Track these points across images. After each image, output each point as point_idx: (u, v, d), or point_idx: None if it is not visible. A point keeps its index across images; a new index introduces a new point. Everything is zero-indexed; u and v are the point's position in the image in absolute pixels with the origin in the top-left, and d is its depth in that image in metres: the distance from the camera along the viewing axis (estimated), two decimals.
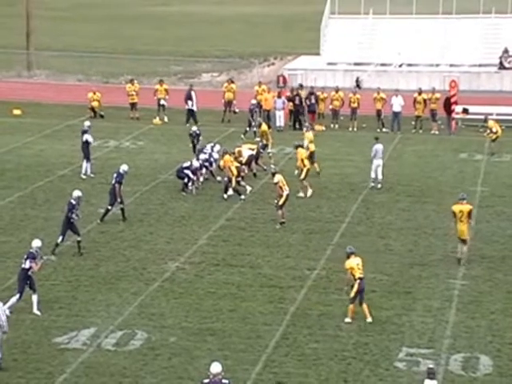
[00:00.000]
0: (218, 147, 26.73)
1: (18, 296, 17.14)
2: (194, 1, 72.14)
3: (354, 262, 17.03)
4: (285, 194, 22.10)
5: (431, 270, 19.49)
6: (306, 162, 24.70)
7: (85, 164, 26.58)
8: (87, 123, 27.44)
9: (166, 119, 34.42)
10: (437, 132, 32.88)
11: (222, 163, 24.93)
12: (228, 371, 13.86)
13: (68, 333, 16.38)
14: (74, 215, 20.11)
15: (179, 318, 17.11)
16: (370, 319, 16.85)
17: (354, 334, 16.50)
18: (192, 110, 33.51)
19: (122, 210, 22.56)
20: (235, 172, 24.32)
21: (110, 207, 22.36)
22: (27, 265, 17.11)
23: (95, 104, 34.88)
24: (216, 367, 12.86)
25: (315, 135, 28.54)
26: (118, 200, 22.37)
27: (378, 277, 19.10)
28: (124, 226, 22.28)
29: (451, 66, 40.46)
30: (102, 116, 34.79)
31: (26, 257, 17.23)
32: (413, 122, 33.09)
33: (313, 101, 33.26)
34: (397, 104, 32.64)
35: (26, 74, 44.15)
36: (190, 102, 33.53)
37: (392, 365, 15.38)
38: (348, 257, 17.16)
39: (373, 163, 25.51)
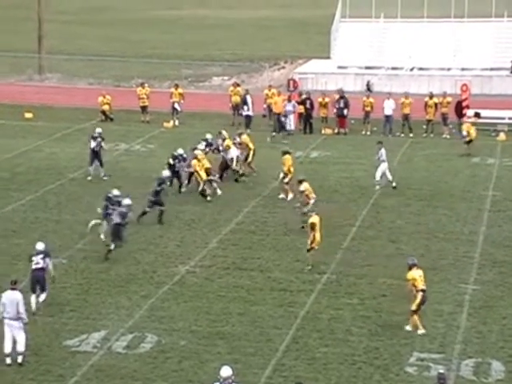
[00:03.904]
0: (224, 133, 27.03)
1: (45, 294, 17.32)
2: (204, 5, 72.26)
3: (417, 274, 16.66)
4: (311, 202, 21.96)
5: (442, 274, 19.41)
6: (292, 169, 24.73)
7: (91, 168, 26.60)
8: (98, 130, 27.43)
9: (177, 123, 34.47)
10: (448, 136, 32.78)
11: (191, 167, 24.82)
12: (238, 375, 13.84)
13: (79, 335, 16.41)
14: (124, 222, 20.06)
15: (189, 321, 17.10)
16: (408, 328, 16.56)
17: (365, 338, 16.44)
18: (248, 116, 33.29)
19: (145, 213, 22.57)
20: (204, 176, 24.42)
21: (148, 209, 22.49)
22: (44, 264, 17.32)
23: (106, 107, 34.98)
24: (226, 371, 12.88)
25: (325, 138, 28.52)
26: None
27: (388, 281, 19.01)
28: (134, 229, 22.29)
29: (463, 69, 40.32)
30: (111, 119, 34.88)
31: (42, 256, 17.41)
32: (424, 126, 33.01)
33: (342, 105, 32.99)
34: (388, 107, 32.58)
35: (38, 78, 44.33)
36: (245, 107, 33.37)
37: (402, 370, 15.31)
38: (410, 268, 16.73)
39: (381, 166, 25.56)
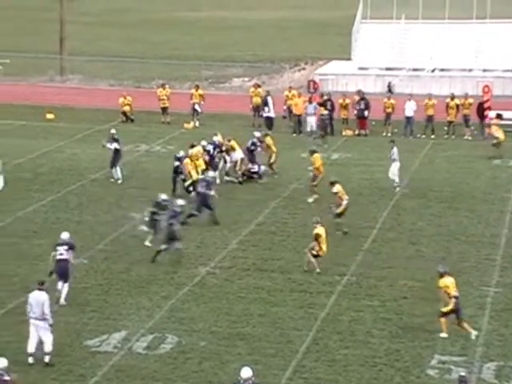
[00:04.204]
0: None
1: (67, 285, 17.71)
2: (224, 6, 72.33)
3: (449, 281, 16.59)
4: (344, 203, 21.79)
5: (464, 276, 19.25)
6: (322, 168, 24.65)
7: (113, 170, 26.69)
8: (112, 131, 27.52)
9: (197, 124, 34.53)
10: (470, 138, 32.61)
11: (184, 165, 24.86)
12: (258, 376, 13.82)
13: (99, 336, 16.47)
14: (176, 222, 20.06)
15: (209, 322, 17.12)
16: (474, 334, 16.37)
17: (386, 340, 16.38)
18: (269, 117, 33.14)
19: (192, 215, 22.52)
20: (195, 176, 24.33)
21: (196, 212, 22.40)
22: (67, 255, 17.74)
23: (127, 108, 35.13)
24: (246, 372, 12.89)
25: (345, 140, 28.44)
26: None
27: (409, 283, 18.96)
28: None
29: (484, 70, 40.07)
30: (132, 120, 35.03)
31: (67, 247, 17.77)
32: (445, 128, 32.85)
33: (362, 106, 32.87)
34: (409, 109, 32.43)
35: (59, 79, 44.60)
36: (266, 109, 33.24)
37: (424, 372, 15.25)
38: (441, 276, 16.64)
39: (392, 166, 25.48)
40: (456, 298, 16.53)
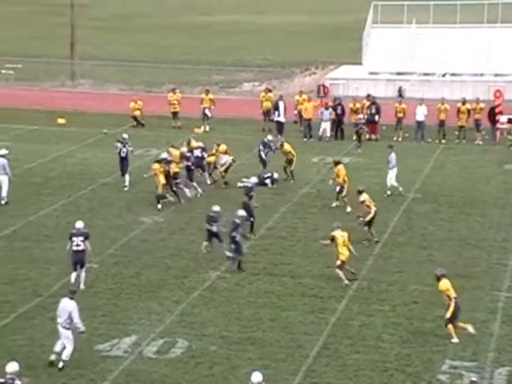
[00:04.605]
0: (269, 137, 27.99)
1: (84, 269, 18.46)
2: (235, 10, 72.50)
3: (448, 283, 16.57)
4: (372, 211, 21.49)
5: (475, 281, 19.22)
6: (346, 178, 24.56)
7: (126, 176, 26.70)
8: (123, 135, 27.54)
9: (207, 128, 34.57)
10: (481, 142, 32.53)
11: (152, 171, 24.80)
12: (268, 381, 13.81)
13: (110, 340, 16.50)
14: (237, 234, 19.95)
15: (220, 326, 17.12)
16: (471, 330, 16.41)
17: (396, 345, 16.34)
18: (279, 122, 32.98)
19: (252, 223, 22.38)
20: (163, 181, 24.28)
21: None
22: (84, 246, 18.31)
23: (137, 113, 35.21)
24: (256, 376, 12.90)
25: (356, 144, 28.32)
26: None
27: (420, 288, 18.90)
28: (165, 234, 22.41)
29: (496, 75, 39.96)
30: (142, 125, 35.11)
31: (83, 238, 18.30)
32: (456, 132, 32.78)
33: (373, 111, 32.83)
34: (420, 113, 32.35)
35: (70, 84, 44.79)
36: (276, 113, 33.15)
37: (435, 377, 15.20)
38: (439, 279, 16.62)
39: (390, 173, 25.45)
40: (456, 298, 16.47)
